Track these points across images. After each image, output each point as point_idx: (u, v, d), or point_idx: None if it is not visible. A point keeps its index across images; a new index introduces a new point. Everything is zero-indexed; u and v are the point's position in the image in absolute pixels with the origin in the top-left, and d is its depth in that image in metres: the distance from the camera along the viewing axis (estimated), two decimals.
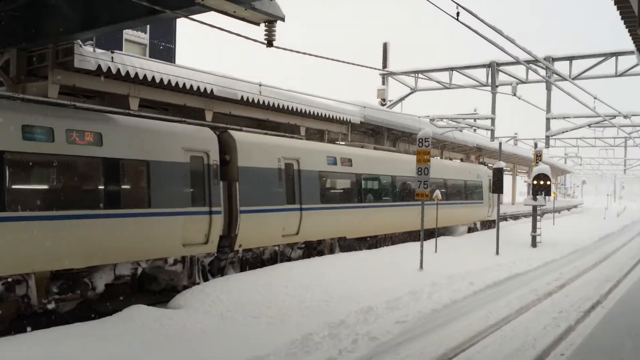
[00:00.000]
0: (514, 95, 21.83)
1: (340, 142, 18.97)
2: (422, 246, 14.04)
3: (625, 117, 25.06)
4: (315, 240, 14.88)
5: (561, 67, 23.61)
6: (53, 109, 9.23)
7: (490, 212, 26.18)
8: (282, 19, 7.89)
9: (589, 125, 27.38)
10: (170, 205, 10.52)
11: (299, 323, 8.74)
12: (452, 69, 25.86)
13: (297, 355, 7.33)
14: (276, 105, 15.39)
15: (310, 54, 11.43)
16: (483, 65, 25.13)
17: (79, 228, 8.96)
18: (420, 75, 27.03)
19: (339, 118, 18.58)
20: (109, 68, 10.85)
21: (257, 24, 7.94)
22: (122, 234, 9.64)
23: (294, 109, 16.20)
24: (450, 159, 30.21)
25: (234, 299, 9.83)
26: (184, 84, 12.45)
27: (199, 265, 11.41)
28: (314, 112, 17.08)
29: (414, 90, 27.84)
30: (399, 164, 18.72)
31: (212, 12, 7.55)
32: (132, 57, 11.76)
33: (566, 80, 19.26)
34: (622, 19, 10.63)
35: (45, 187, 9.08)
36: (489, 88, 24.62)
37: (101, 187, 9.52)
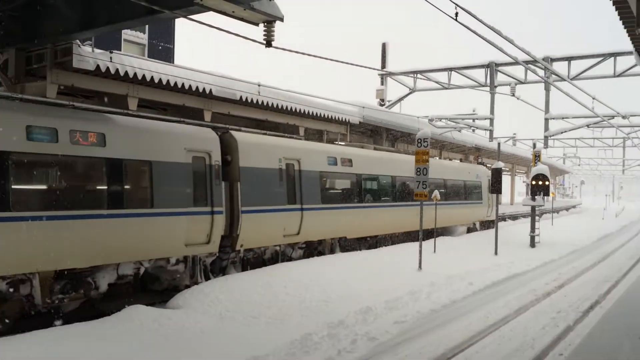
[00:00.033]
0: (513, 95, 21.83)
1: (340, 143, 18.96)
2: (420, 246, 14.05)
3: (623, 117, 25.06)
4: (316, 240, 14.90)
5: (560, 67, 23.61)
6: (57, 110, 9.28)
7: (489, 213, 26.19)
8: (281, 19, 7.89)
9: (588, 126, 27.38)
10: (172, 206, 10.57)
11: (298, 323, 8.75)
12: (450, 69, 25.84)
13: (296, 355, 7.33)
14: (275, 106, 15.39)
15: (309, 54, 11.45)
16: (482, 66, 25.11)
17: (82, 228, 9.01)
18: (419, 75, 27.01)
19: (338, 118, 18.58)
20: (108, 68, 10.84)
21: (256, 24, 7.95)
22: (125, 234, 9.69)
23: (293, 109, 16.20)
24: (450, 160, 30.22)
25: (233, 299, 9.83)
26: (183, 84, 12.44)
27: (201, 265, 11.45)
28: (312, 113, 17.08)
29: (412, 91, 27.83)
30: (399, 164, 18.73)
31: (211, 12, 7.55)
32: (130, 57, 11.75)
33: (565, 80, 19.25)
34: (620, 19, 10.65)
35: (49, 187, 9.11)
36: (488, 88, 24.59)
37: (104, 187, 9.57)
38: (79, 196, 9.24)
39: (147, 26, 26.00)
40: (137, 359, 7.12)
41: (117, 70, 11.00)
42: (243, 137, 12.53)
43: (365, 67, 14.93)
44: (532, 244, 20.70)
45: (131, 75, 11.31)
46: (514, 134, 39.19)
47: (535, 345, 8.13)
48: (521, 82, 24.21)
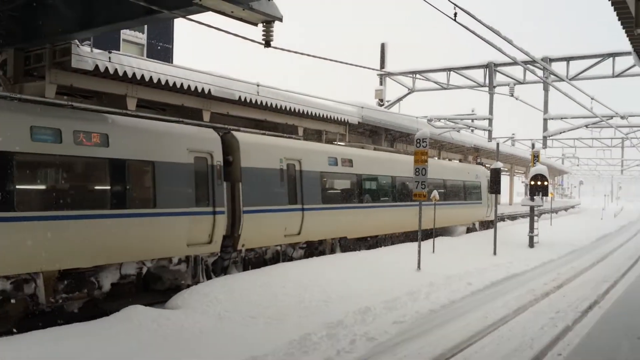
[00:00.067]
0: (512, 95, 21.86)
1: (340, 143, 18.97)
2: (419, 246, 14.06)
3: (622, 117, 25.08)
4: (317, 241, 14.94)
5: (558, 67, 23.60)
6: (60, 110, 9.31)
7: (488, 213, 26.20)
8: (280, 19, 7.90)
9: (587, 126, 27.42)
10: (175, 206, 10.62)
11: (297, 323, 8.74)
12: (449, 69, 25.84)
13: (294, 355, 7.33)
14: (274, 106, 15.38)
15: (308, 54, 11.46)
16: (481, 66, 25.11)
17: (86, 228, 9.05)
18: (418, 75, 27.01)
19: (337, 118, 18.57)
20: (107, 68, 10.83)
21: (255, 24, 7.95)
22: (128, 233, 9.74)
23: (292, 110, 16.19)
24: (450, 160, 30.24)
25: (232, 299, 9.84)
26: (182, 84, 12.44)
27: (202, 265, 11.49)
28: (311, 113, 17.07)
29: (411, 91, 27.82)
30: (399, 164, 18.75)
31: (210, 12, 7.55)
32: (129, 57, 11.74)
33: (563, 81, 19.26)
34: (619, 20, 10.65)
35: (53, 187, 9.13)
36: (487, 89, 24.60)
37: (108, 187, 9.63)
38: (83, 196, 9.29)
39: (146, 26, 25.96)
40: (136, 359, 7.11)
41: (115, 70, 10.99)
42: (244, 138, 12.55)
43: (365, 67, 14.95)
44: (531, 244, 20.72)
45: (130, 75, 11.31)
46: (513, 134, 39.28)
47: (534, 345, 8.14)
48: (520, 83, 24.21)
